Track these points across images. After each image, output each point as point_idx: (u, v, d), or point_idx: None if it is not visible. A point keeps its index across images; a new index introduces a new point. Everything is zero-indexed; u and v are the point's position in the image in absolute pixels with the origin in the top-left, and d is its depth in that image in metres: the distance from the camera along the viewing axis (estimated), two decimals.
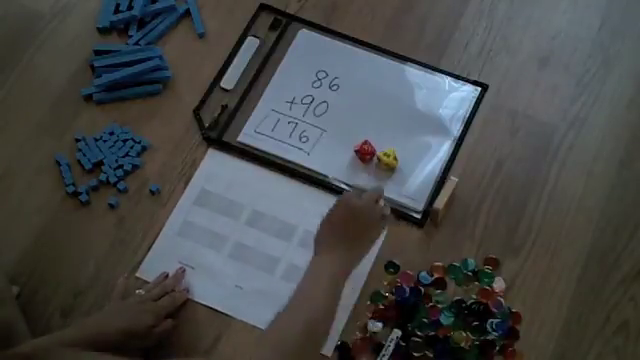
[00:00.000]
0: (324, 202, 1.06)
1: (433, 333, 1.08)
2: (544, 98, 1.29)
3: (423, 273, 1.13)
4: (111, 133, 1.27)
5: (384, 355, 1.06)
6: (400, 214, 1.18)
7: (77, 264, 1.16)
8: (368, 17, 1.38)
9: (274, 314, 0.91)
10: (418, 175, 1.21)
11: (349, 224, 1.02)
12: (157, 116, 1.30)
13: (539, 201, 1.19)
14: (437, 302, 1.11)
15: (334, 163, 1.22)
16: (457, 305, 1.10)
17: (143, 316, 1.04)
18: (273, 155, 1.24)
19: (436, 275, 1.13)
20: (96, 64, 1.33)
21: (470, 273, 1.13)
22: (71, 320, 1.12)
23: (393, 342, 1.06)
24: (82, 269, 1.15)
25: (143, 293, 1.10)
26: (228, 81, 1.31)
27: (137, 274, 1.15)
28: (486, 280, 1.12)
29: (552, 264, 1.14)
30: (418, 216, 1.18)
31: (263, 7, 1.39)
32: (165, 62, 1.34)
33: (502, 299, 1.11)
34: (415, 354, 1.07)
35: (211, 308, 1.12)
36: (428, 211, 1.17)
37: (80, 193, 1.21)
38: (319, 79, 1.30)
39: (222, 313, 1.12)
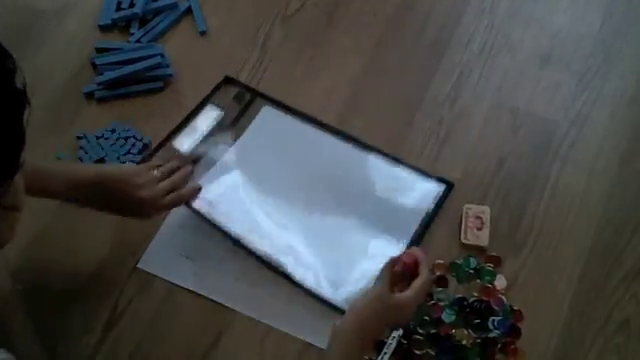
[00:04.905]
0: None
1: (435, 331, 1.08)
2: (546, 96, 1.29)
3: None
4: (113, 131, 1.27)
5: (385, 353, 1.06)
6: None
7: (77, 264, 1.16)
8: (369, 15, 1.38)
9: None
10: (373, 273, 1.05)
11: (385, 319, 0.97)
12: (159, 114, 1.30)
13: (541, 199, 1.19)
14: (439, 300, 1.11)
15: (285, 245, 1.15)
16: (459, 303, 1.10)
17: (146, 210, 1.11)
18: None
19: (438, 273, 1.13)
20: (98, 62, 1.33)
21: (472, 271, 1.13)
22: (71, 320, 1.12)
23: (395, 340, 1.06)
24: (82, 269, 1.15)
25: (157, 175, 1.12)
26: (181, 143, 1.25)
27: (139, 265, 1.15)
28: (488, 278, 1.12)
29: (554, 262, 1.14)
30: None
31: (228, 80, 1.32)
32: (167, 60, 1.34)
33: (504, 297, 1.11)
34: (417, 352, 1.07)
35: (212, 300, 1.12)
36: None
37: None
38: (277, 160, 1.24)
39: (223, 306, 1.12)
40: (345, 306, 1.04)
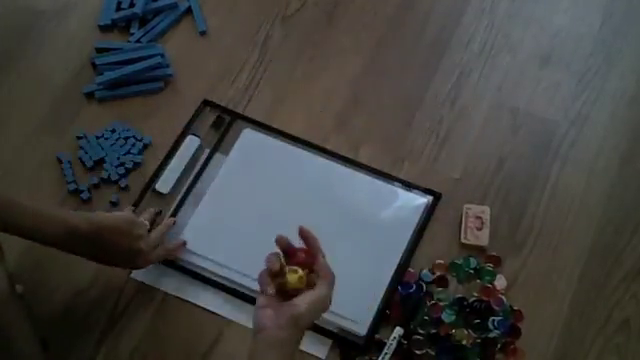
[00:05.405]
0: None
1: (435, 331, 1.08)
2: (546, 96, 1.29)
3: (425, 271, 1.13)
4: (113, 131, 1.27)
5: (386, 354, 1.06)
6: (338, 339, 1.08)
7: (77, 264, 1.15)
8: (370, 15, 1.38)
9: None
10: (360, 295, 1.08)
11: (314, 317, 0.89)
12: (159, 114, 1.30)
13: (541, 199, 1.19)
14: (439, 300, 1.11)
15: None
16: (459, 303, 1.10)
17: (139, 261, 1.07)
18: (211, 273, 1.14)
19: (438, 273, 1.13)
20: (98, 62, 1.33)
21: (472, 271, 1.13)
22: (71, 320, 1.12)
23: (395, 340, 1.06)
24: (82, 269, 1.14)
25: (147, 224, 1.10)
26: (163, 184, 1.22)
27: (132, 275, 1.14)
28: (488, 278, 1.12)
29: (554, 262, 1.14)
30: (360, 342, 1.07)
31: (207, 103, 1.29)
32: (167, 60, 1.34)
33: (504, 297, 1.11)
34: (417, 352, 1.07)
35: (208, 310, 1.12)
36: (371, 337, 1.07)
37: (82, 191, 1.21)
38: (262, 184, 1.21)
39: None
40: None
